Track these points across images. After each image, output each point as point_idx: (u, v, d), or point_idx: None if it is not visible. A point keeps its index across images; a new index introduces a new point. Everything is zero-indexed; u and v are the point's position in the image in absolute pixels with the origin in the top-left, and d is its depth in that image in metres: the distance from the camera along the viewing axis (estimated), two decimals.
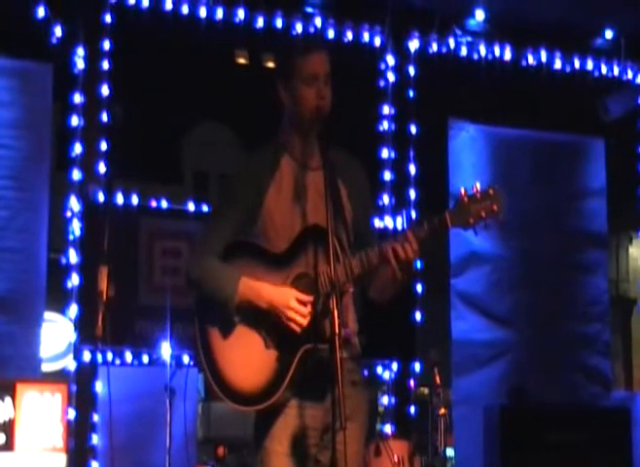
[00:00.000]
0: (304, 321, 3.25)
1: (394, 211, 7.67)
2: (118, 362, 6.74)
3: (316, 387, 3.31)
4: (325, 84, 3.38)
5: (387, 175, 7.69)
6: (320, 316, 3.26)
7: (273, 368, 3.28)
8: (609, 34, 8.15)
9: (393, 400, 7.54)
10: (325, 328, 3.20)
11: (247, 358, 3.30)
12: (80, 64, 6.95)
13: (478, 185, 3.26)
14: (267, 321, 3.31)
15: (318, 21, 7.51)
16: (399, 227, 7.63)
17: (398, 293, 3.43)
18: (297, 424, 3.33)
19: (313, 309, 3.28)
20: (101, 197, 6.80)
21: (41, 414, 5.99)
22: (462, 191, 3.26)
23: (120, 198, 6.89)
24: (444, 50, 7.88)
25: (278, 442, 3.32)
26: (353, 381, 3.38)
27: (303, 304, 3.27)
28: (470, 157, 8.00)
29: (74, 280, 6.67)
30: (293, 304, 3.26)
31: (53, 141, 7.00)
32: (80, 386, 6.59)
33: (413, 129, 7.76)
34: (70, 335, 6.77)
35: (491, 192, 3.25)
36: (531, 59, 8.08)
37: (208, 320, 3.37)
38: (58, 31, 6.86)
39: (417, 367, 7.46)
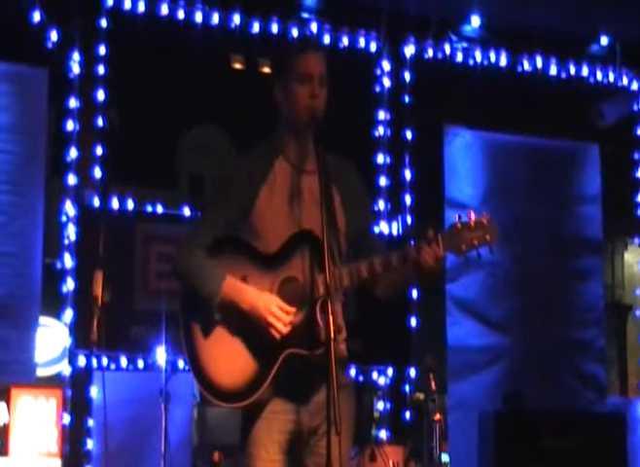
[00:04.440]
0: (284, 329, 3.23)
1: (389, 216, 7.67)
2: (113, 367, 6.73)
3: (300, 391, 3.32)
4: (319, 84, 3.37)
5: (383, 180, 7.69)
6: (309, 322, 3.25)
7: (255, 367, 3.27)
8: (604, 40, 8.17)
9: (388, 405, 7.53)
10: (313, 334, 3.20)
11: (229, 355, 3.28)
12: (75, 69, 6.94)
13: (472, 214, 3.32)
14: (249, 322, 3.28)
15: (314, 27, 7.53)
16: (394, 232, 7.64)
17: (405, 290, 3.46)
18: (281, 429, 3.33)
19: (297, 317, 3.27)
20: (97, 202, 6.79)
21: (36, 419, 5.98)
22: (457, 217, 3.31)
23: (115, 203, 6.89)
24: (439, 55, 7.90)
25: (263, 448, 3.32)
26: (339, 385, 3.37)
27: (286, 312, 3.25)
28: (465, 162, 8.00)
29: (69, 285, 6.66)
30: (275, 310, 3.24)
31: (49, 146, 7.00)
32: (75, 391, 6.59)
33: (409, 135, 7.77)
34: (65, 339, 6.77)
35: (485, 221, 3.32)
36: (527, 65, 8.10)
37: (193, 315, 3.35)
38: (54, 36, 6.86)
39: (413, 372, 7.45)
